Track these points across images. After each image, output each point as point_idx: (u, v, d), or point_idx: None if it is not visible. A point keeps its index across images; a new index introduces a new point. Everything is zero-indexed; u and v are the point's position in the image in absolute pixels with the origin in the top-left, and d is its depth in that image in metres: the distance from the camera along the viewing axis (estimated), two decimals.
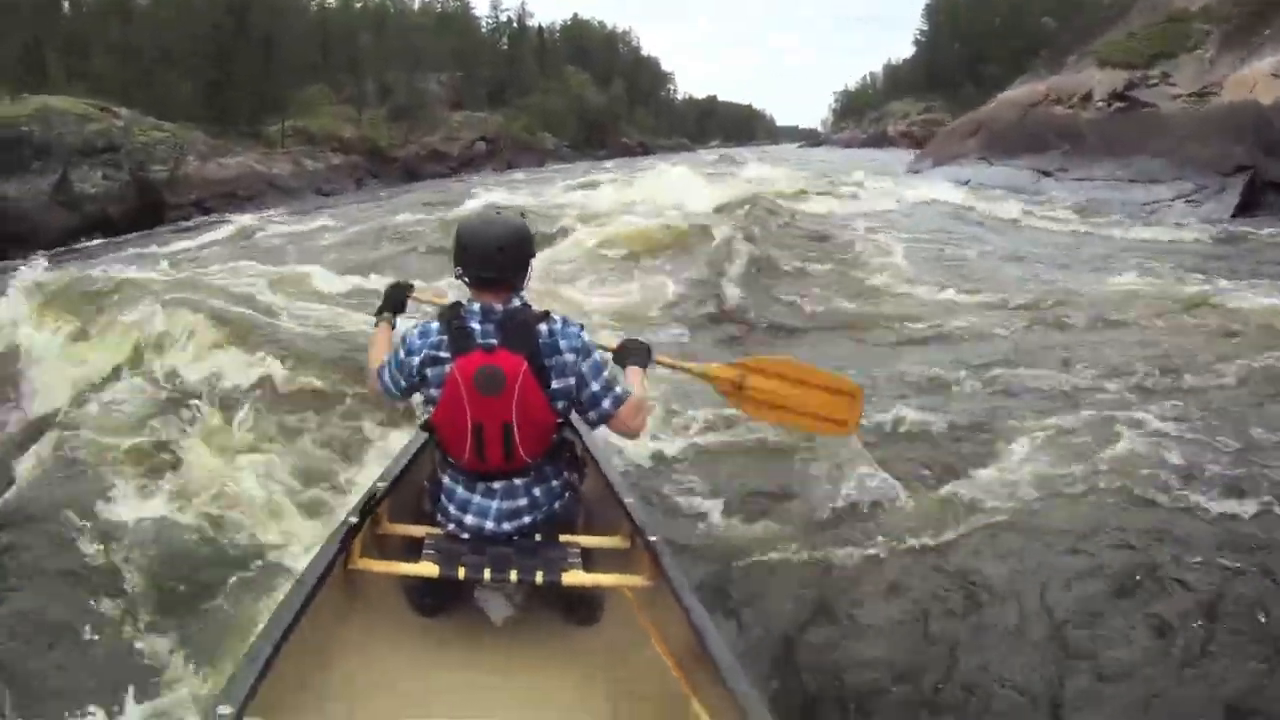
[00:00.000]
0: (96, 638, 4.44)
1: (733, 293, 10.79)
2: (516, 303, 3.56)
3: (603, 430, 3.96)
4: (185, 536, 5.28)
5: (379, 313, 4.26)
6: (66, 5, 47.88)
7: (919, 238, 15.34)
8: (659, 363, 4.29)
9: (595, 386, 3.61)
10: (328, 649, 3.29)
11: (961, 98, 74.17)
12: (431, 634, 3.64)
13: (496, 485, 3.64)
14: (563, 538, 3.72)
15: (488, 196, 22.74)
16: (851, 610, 4.48)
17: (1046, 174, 24.80)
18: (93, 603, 4.67)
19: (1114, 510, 4.94)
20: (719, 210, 15.93)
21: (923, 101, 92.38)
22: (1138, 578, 4.32)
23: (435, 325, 3.56)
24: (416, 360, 3.58)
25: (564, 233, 15.22)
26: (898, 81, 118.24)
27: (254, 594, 4.72)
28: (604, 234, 14.54)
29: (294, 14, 58.62)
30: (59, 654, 4.33)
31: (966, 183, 24.84)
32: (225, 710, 2.42)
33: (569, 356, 3.53)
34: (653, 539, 3.62)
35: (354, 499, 4.16)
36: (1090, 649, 3.93)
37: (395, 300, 4.30)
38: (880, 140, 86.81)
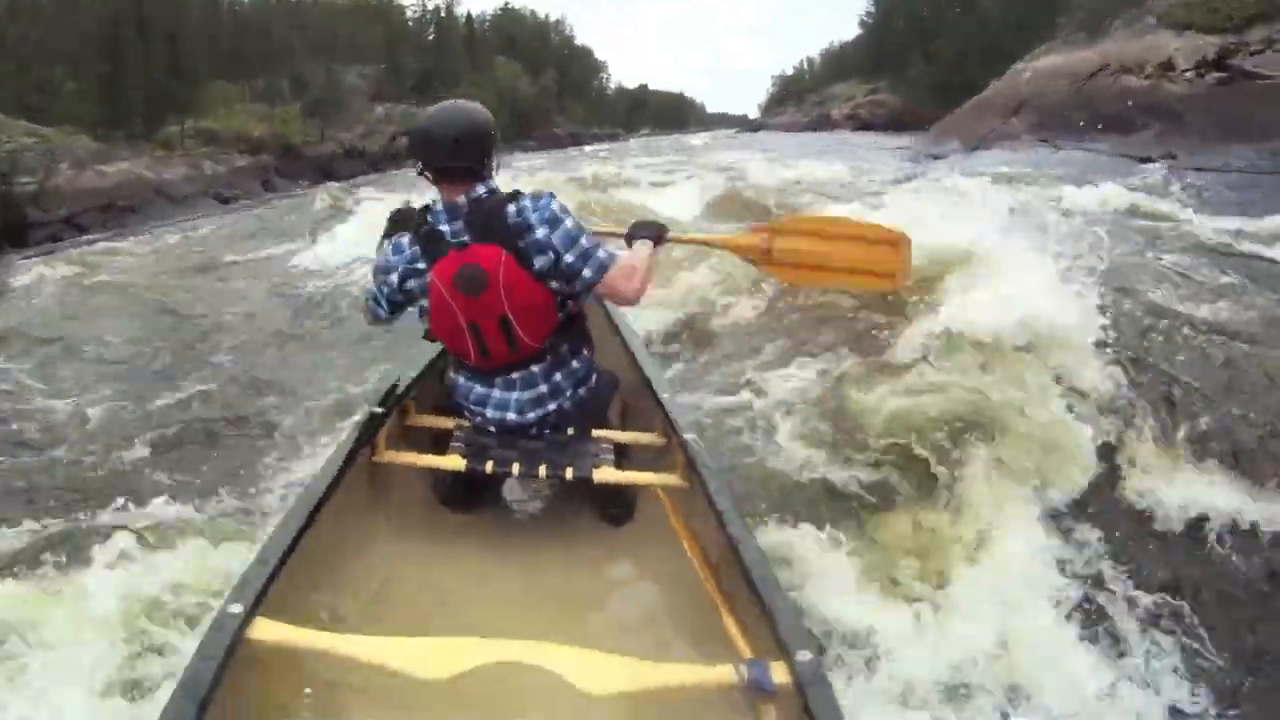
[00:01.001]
0: (93, 538, 4.33)
1: None
2: (481, 190, 3.49)
3: (638, 322, 4.46)
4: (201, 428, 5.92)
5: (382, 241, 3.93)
6: None
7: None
8: (675, 240, 4.24)
9: (570, 257, 3.52)
10: (349, 544, 3.26)
11: (910, 78, 72.59)
12: (459, 530, 3.71)
13: (515, 376, 3.65)
14: (596, 432, 3.76)
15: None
16: (895, 535, 4.44)
17: (1145, 160, 18.84)
18: (95, 497, 4.91)
19: None
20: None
21: (868, 84, 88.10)
22: None
23: (405, 239, 3.55)
24: (395, 278, 3.58)
25: None
26: (841, 64, 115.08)
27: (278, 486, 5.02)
28: None
29: (201, 4, 52.58)
30: (53, 553, 4.25)
31: (1037, 172, 18.94)
32: (235, 609, 2.39)
33: (541, 232, 3.46)
34: (688, 437, 3.56)
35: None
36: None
37: (400, 230, 3.77)
38: (823, 124, 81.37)
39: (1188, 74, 20.74)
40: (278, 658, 2.42)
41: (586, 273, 3.51)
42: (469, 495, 3.78)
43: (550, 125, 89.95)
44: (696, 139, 78.80)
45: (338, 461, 3.23)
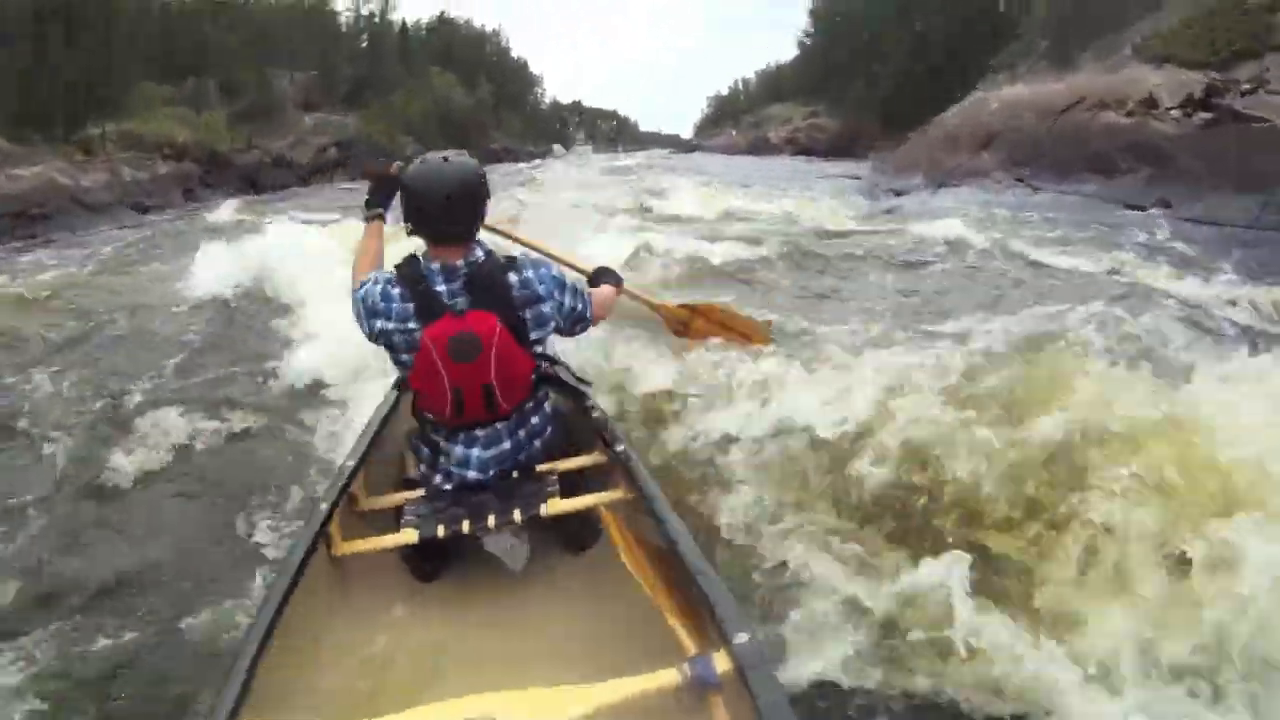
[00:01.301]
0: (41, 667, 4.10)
1: None
2: (479, 253, 3.54)
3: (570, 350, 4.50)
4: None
5: (367, 204, 4.17)
6: None
7: None
8: (626, 292, 4.73)
9: (579, 305, 3.82)
10: (318, 645, 3.23)
11: (850, 102, 71.60)
12: (428, 598, 3.72)
13: (479, 434, 3.71)
14: (540, 468, 3.85)
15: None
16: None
17: (1136, 207, 17.50)
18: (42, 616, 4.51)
19: None
20: None
21: (807, 106, 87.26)
22: None
23: (396, 291, 3.52)
24: (379, 324, 3.57)
25: None
26: (778, 86, 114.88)
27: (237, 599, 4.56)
28: None
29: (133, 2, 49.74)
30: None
31: (1019, 218, 17.38)
32: None
33: (549, 305, 3.62)
34: (619, 449, 3.75)
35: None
36: None
37: (385, 190, 4.15)
38: (761, 147, 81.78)
39: (1173, 113, 19.40)
40: None
41: (588, 313, 3.90)
42: (438, 562, 3.79)
43: (487, 139, 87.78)
44: (631, 159, 77.54)
45: (294, 564, 3.13)
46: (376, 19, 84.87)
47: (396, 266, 3.58)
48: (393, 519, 3.75)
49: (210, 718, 2.37)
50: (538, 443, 3.85)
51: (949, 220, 15.51)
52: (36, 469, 6.35)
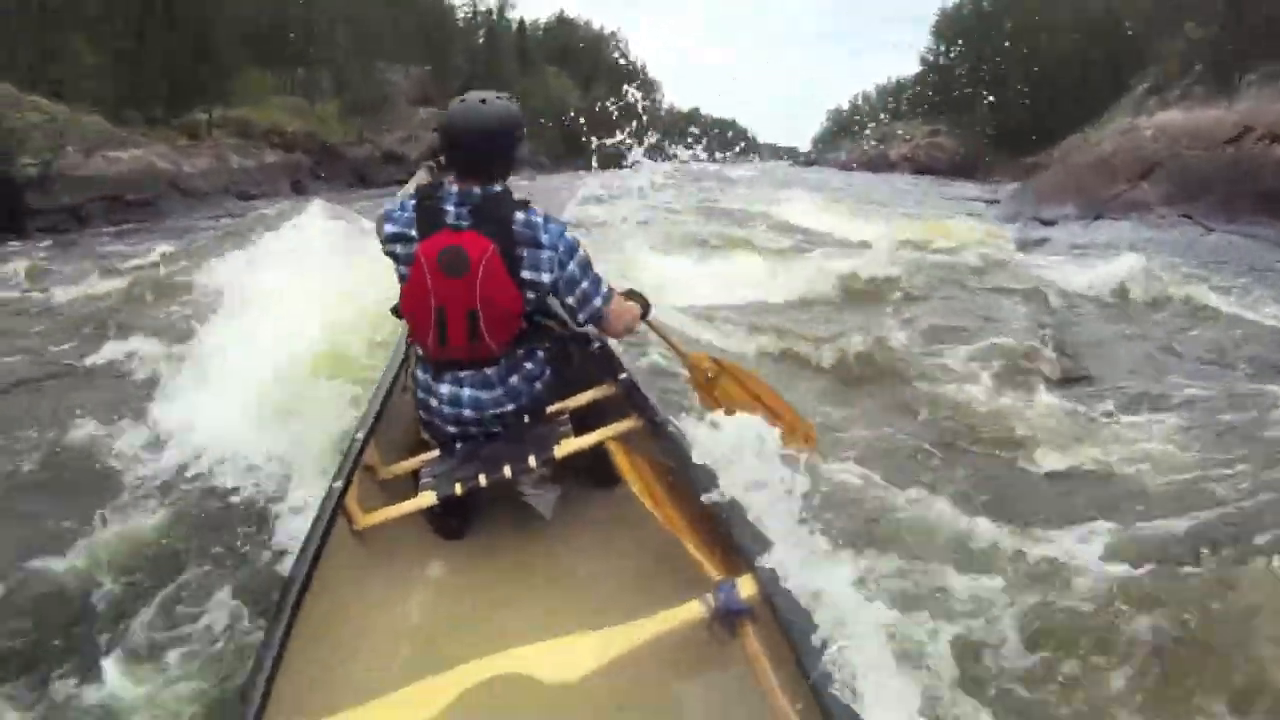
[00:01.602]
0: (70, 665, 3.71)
1: None
2: (497, 188, 3.52)
3: None
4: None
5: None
6: None
7: None
8: (650, 322, 4.30)
9: (586, 284, 3.63)
10: (346, 621, 3.10)
11: (969, 122, 72.01)
12: (460, 555, 3.67)
13: (464, 374, 3.64)
14: (549, 410, 3.78)
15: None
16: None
17: None
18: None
19: None
20: None
21: (929, 124, 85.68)
22: None
23: (412, 203, 3.56)
24: (388, 229, 3.58)
25: None
26: (899, 102, 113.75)
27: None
28: None
29: None
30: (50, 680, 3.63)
31: (1193, 264, 15.16)
32: None
33: (548, 253, 3.51)
34: (621, 378, 3.86)
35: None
36: None
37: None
38: (880, 163, 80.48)
39: None
40: None
41: (597, 301, 3.67)
42: (458, 517, 3.73)
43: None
44: (745, 169, 74.52)
45: (311, 549, 2.97)
46: (494, 16, 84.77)
47: (419, 186, 3.66)
48: (413, 483, 3.69)
49: (243, 703, 2.24)
50: (538, 385, 3.77)
51: (1115, 261, 13.74)
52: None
